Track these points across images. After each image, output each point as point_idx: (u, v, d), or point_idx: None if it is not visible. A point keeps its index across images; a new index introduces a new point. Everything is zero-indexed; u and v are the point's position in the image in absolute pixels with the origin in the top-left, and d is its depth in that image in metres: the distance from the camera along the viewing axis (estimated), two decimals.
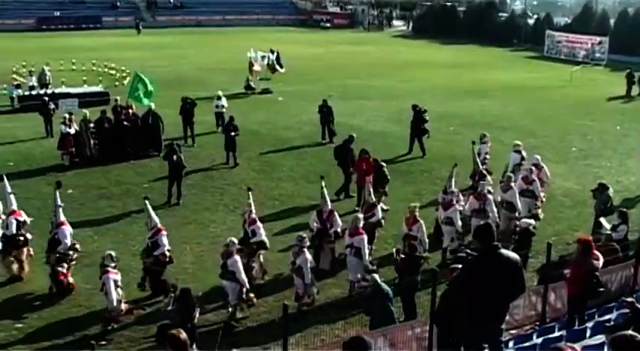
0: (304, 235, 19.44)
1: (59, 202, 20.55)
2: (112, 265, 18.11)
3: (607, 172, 31.71)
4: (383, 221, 22.22)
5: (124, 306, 18.04)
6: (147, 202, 20.57)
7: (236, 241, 18.85)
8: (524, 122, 41.83)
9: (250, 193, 21.45)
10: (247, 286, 18.31)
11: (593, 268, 15.33)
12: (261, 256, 20.38)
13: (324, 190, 21.80)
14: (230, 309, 18.25)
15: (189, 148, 33.77)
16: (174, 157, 26.95)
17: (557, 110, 45.75)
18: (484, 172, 24.65)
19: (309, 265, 18.55)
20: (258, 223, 20.36)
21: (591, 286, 15.36)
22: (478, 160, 25.14)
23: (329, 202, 21.62)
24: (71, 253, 20.06)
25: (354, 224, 19.87)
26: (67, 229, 20.21)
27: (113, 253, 18.50)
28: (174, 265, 20.92)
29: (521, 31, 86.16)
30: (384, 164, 26.54)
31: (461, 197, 22.84)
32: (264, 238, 20.28)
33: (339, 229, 20.97)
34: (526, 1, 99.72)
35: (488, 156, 28.65)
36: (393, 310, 16.53)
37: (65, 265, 19.80)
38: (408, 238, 20.54)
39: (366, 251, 19.57)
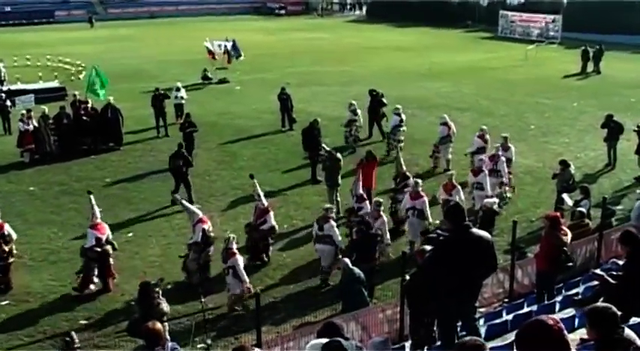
0: (381, 200, 21.38)
1: None
2: (235, 247, 18.38)
3: (566, 148, 32.07)
4: (277, 227, 21.56)
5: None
6: (91, 196, 20.71)
7: (334, 207, 20.88)
8: (481, 102, 42.16)
9: (92, 196, 20.71)
10: (342, 247, 19.61)
11: (562, 244, 15.50)
12: (111, 259, 19.69)
13: (184, 202, 21.42)
14: (322, 273, 19.68)
15: (165, 137, 34.34)
16: (180, 161, 26.12)
17: (514, 89, 46.09)
18: (407, 173, 24.10)
19: (386, 226, 20.43)
20: (92, 230, 19.64)
21: (560, 261, 15.54)
22: (402, 161, 24.79)
23: (198, 212, 20.71)
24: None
25: (414, 189, 21.52)
26: None
27: (235, 236, 18.80)
28: (142, 258, 20.96)
29: (474, 12, 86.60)
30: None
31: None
32: (92, 244, 19.40)
33: (199, 239, 20.00)
34: None
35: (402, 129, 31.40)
36: (365, 293, 16.66)
37: None
38: (448, 204, 21.23)
39: (429, 213, 21.18)
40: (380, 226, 20.01)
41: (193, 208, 21.01)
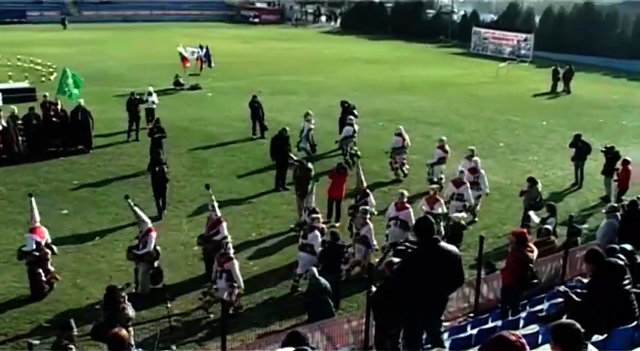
0: (367, 208, 21.51)
1: None
2: (232, 252, 18.62)
3: (534, 166, 32.34)
4: (230, 238, 20.42)
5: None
6: (32, 199, 20.57)
7: (321, 217, 21.24)
8: (452, 118, 42.39)
9: (32, 199, 20.61)
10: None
11: (528, 260, 15.62)
12: (49, 263, 19.67)
13: (136, 208, 20.60)
14: (295, 279, 19.98)
15: (135, 141, 34.30)
16: (157, 168, 25.77)
17: (484, 106, 46.40)
18: (367, 190, 23.93)
19: (372, 233, 20.73)
20: (32, 234, 19.65)
21: (525, 277, 15.65)
22: (362, 177, 24.46)
23: (147, 220, 20.39)
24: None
25: (400, 199, 21.90)
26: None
27: (231, 241, 19.22)
28: (108, 262, 20.86)
29: (448, 27, 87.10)
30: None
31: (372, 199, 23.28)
32: (32, 248, 19.35)
33: (151, 249, 19.60)
34: None
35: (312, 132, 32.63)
36: (331, 303, 16.73)
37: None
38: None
39: (412, 219, 20.73)
40: (366, 233, 20.61)
41: (144, 216, 20.52)
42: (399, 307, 11.76)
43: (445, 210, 22.89)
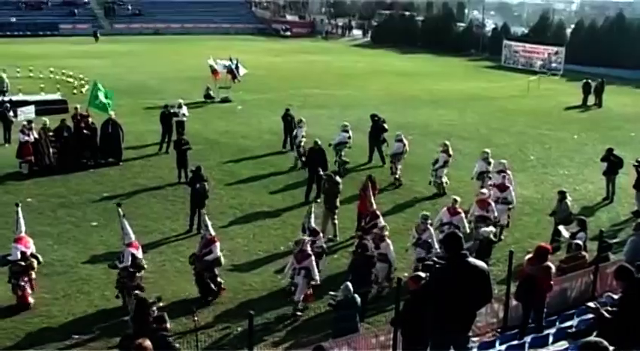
0: (427, 213, 21.79)
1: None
2: (309, 249, 19.39)
3: (565, 180, 32.05)
4: (222, 259, 20.28)
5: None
6: (18, 208, 20.28)
7: (387, 226, 21.21)
8: (482, 131, 42.22)
9: (19, 208, 20.27)
10: (396, 266, 20.54)
11: (531, 275, 15.80)
12: (33, 273, 19.56)
13: (124, 220, 19.64)
14: (376, 288, 19.97)
15: (165, 154, 34.41)
16: (198, 185, 25.40)
17: (515, 119, 46.21)
18: (377, 212, 22.88)
19: (434, 238, 20.72)
20: (17, 244, 19.42)
21: (527, 291, 15.90)
22: (372, 199, 23.53)
23: (132, 235, 19.44)
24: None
25: (452, 205, 22.53)
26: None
27: (308, 239, 19.85)
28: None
29: (478, 40, 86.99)
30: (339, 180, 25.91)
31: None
32: (17, 258, 19.15)
33: (128, 263, 19.14)
34: (483, 11, 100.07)
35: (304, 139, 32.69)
36: (358, 318, 16.61)
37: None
38: (482, 220, 22.85)
39: (465, 225, 22.29)
40: (427, 238, 20.84)
41: (129, 229, 19.64)
42: (426, 322, 11.69)
43: (497, 214, 23.54)
